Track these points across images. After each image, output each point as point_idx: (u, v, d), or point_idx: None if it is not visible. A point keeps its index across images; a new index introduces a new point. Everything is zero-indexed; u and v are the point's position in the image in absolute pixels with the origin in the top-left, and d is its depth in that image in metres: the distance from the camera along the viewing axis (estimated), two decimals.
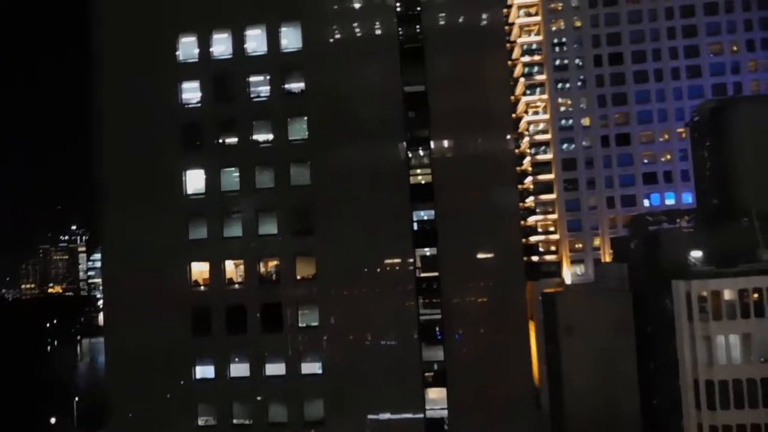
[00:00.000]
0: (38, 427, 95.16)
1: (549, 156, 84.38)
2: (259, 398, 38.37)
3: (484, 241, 38.44)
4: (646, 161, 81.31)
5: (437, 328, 38.05)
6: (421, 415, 37.19)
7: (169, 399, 39.07)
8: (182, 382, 39.14)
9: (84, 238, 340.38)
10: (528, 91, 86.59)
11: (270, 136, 39.68)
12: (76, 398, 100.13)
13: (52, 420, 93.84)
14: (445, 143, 39.27)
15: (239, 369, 38.93)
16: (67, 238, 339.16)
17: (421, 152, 39.25)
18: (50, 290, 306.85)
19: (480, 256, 38.88)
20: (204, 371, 39.35)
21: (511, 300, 38.11)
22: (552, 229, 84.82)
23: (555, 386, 48.94)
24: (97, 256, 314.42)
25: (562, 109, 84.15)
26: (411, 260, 38.15)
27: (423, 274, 38.30)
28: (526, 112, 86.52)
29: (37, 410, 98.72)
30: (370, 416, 37.39)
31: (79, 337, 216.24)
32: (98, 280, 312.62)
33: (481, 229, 37.93)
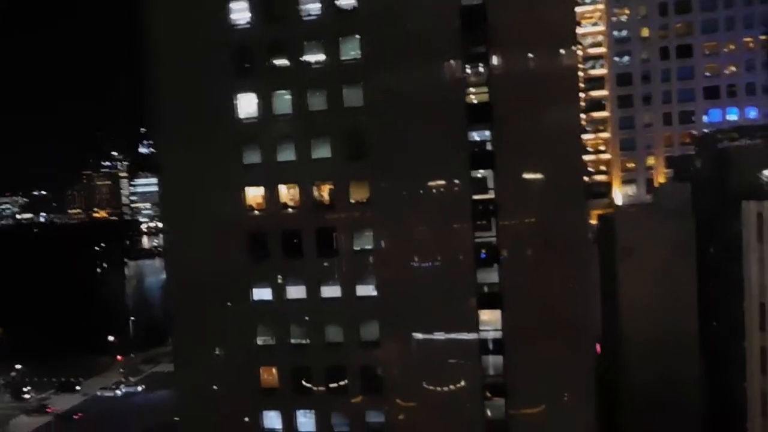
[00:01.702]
0: (97, 345, 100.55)
1: (603, 71, 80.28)
2: (306, 318, 38.88)
3: (542, 162, 36.91)
4: (708, 74, 76.58)
5: (489, 251, 37.41)
6: (475, 336, 37.35)
7: (228, 319, 39.97)
8: (240, 304, 39.81)
9: (125, 163, 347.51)
10: (581, 1, 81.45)
11: (322, 57, 38.12)
12: (132, 318, 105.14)
13: (110, 338, 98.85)
14: (504, 60, 36.94)
15: (296, 291, 39.37)
16: (108, 164, 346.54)
17: (474, 70, 37.17)
18: (95, 215, 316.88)
19: (538, 177, 37.52)
20: (261, 293, 39.92)
21: (570, 222, 36.95)
22: (602, 148, 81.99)
23: (609, 309, 48.57)
24: (140, 180, 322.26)
25: (616, 19, 79.15)
26: (466, 182, 37.13)
27: (478, 196, 37.30)
28: (579, 23, 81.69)
29: (95, 329, 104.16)
30: (424, 336, 37.62)
31: (125, 260, 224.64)
32: (140, 205, 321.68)
33: (540, 149, 36.43)
